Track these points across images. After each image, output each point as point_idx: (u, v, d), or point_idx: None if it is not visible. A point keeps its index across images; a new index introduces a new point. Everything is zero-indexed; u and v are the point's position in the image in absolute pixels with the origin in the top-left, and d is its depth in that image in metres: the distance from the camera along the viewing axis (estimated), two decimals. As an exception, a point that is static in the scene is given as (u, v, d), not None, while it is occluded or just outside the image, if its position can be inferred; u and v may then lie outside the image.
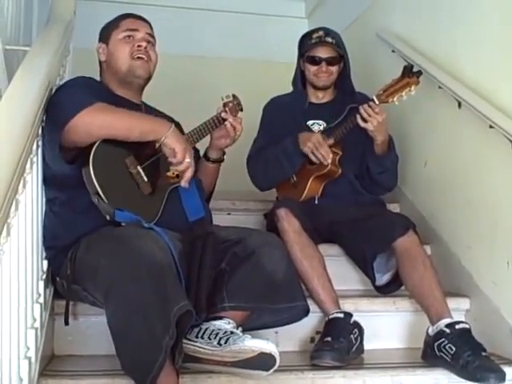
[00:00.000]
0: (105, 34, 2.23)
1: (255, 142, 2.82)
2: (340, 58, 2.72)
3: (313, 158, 2.58)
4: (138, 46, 2.16)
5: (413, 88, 2.43)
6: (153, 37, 2.23)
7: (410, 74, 2.43)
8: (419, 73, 2.45)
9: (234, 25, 4.36)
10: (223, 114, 2.28)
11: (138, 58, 2.16)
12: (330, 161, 2.56)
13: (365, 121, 2.46)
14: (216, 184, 2.44)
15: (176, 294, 1.72)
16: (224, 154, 2.38)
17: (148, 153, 2.09)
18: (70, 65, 2.61)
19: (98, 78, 2.25)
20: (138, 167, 2.06)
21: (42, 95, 1.79)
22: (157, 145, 2.03)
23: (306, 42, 2.74)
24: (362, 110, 2.46)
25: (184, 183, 2.07)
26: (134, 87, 2.22)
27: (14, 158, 1.40)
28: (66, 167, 1.96)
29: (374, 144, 2.56)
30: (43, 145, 1.92)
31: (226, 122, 2.27)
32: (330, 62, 2.69)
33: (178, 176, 2.11)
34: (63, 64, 2.34)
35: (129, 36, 2.18)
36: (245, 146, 2.74)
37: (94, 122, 1.95)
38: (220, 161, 2.38)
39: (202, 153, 2.40)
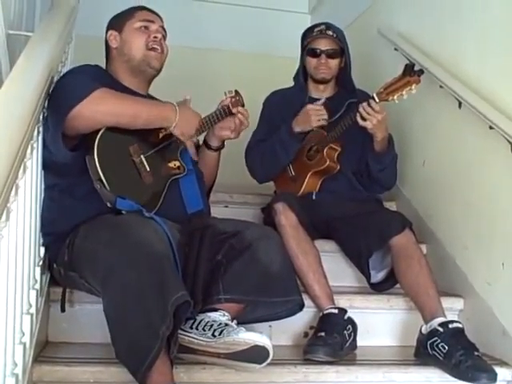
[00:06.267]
0: (117, 23, 2.23)
1: (254, 135, 2.82)
2: (341, 51, 2.71)
3: (325, 123, 2.60)
4: (154, 37, 2.19)
5: (414, 87, 2.41)
6: (165, 31, 2.26)
7: (412, 72, 2.41)
8: (421, 72, 2.44)
9: (237, 18, 4.35)
10: (232, 109, 2.29)
11: (153, 48, 2.18)
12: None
13: (363, 119, 2.46)
14: (217, 175, 2.44)
15: (174, 284, 1.72)
16: (223, 141, 2.39)
17: (152, 142, 2.10)
18: (72, 52, 2.60)
19: (101, 66, 2.25)
20: (142, 156, 2.07)
21: (44, 81, 1.78)
22: (160, 135, 2.04)
23: (308, 35, 2.74)
24: (361, 109, 2.45)
25: None
26: (144, 77, 2.23)
27: (15, 143, 1.39)
28: (67, 154, 1.96)
29: (374, 141, 2.55)
30: (46, 131, 1.92)
31: (238, 115, 2.28)
32: (330, 54, 2.69)
33: (179, 168, 2.12)
34: (66, 51, 2.34)
35: (145, 27, 2.20)
36: (244, 139, 2.73)
37: (99, 109, 1.95)
38: (221, 148, 2.39)
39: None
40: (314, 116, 2.58)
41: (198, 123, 2.19)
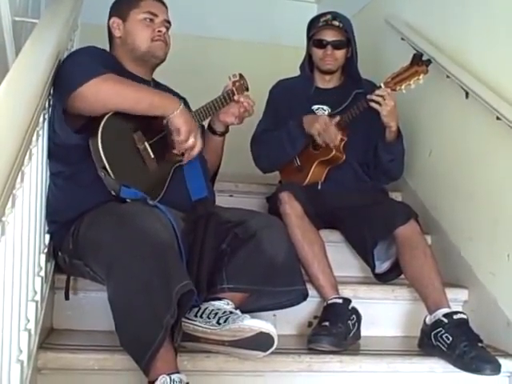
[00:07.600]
0: (121, 10, 2.20)
1: (260, 124, 2.81)
2: (347, 42, 2.70)
3: (319, 141, 2.58)
4: (159, 31, 2.17)
5: (421, 77, 2.41)
6: (169, 22, 2.23)
7: (419, 62, 2.41)
8: (428, 61, 2.44)
9: (242, 7, 4.32)
10: (236, 95, 2.27)
11: (158, 41, 2.16)
12: (337, 142, 2.57)
13: (379, 104, 2.44)
14: (221, 160, 2.43)
15: (178, 273, 1.73)
16: (228, 126, 2.38)
17: (156, 129, 2.08)
18: (78, 40, 2.60)
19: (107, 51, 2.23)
20: (146, 143, 2.06)
21: (50, 68, 1.77)
22: (164, 121, 2.03)
23: (314, 25, 2.72)
24: (374, 97, 2.44)
25: (185, 160, 2.11)
26: (148, 66, 2.22)
27: (22, 129, 1.39)
28: (72, 136, 1.96)
29: (388, 131, 2.54)
30: (52, 112, 1.92)
31: (244, 103, 2.27)
32: (336, 45, 2.67)
33: (183, 154, 2.11)
34: (71, 38, 2.33)
35: (150, 19, 2.17)
36: (249, 128, 2.74)
37: (102, 91, 1.94)
38: (225, 133, 2.38)
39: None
40: (319, 126, 2.55)
41: (195, 129, 2.13)
